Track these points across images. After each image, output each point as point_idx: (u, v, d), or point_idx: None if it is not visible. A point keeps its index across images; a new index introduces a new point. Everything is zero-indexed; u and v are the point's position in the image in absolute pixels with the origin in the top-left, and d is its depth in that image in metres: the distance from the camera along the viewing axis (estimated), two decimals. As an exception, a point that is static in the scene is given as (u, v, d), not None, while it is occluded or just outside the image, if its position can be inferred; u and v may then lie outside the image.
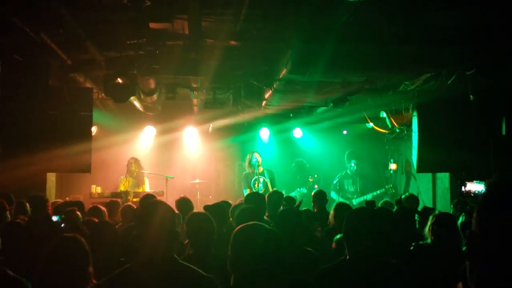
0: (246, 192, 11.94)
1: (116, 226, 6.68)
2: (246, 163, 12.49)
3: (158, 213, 3.20)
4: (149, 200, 6.20)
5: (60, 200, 8.94)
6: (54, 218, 5.56)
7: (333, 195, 13.31)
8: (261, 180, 12.10)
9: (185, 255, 4.53)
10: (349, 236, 3.81)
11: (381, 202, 9.09)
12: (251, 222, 3.38)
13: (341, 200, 13.07)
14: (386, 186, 13.35)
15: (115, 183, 12.42)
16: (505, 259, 1.62)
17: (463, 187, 7.10)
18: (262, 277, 3.11)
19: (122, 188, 11.94)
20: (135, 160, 12.46)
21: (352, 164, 13.86)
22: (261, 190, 11.91)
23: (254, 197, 6.76)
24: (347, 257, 3.76)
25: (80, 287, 3.44)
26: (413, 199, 8.32)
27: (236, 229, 3.32)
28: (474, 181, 7.12)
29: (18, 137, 8.62)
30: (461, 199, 7.42)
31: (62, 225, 5.38)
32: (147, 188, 12.25)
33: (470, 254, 1.72)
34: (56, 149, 8.55)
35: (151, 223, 3.15)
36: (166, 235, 3.15)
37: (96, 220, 6.09)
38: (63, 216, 5.65)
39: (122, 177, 12.34)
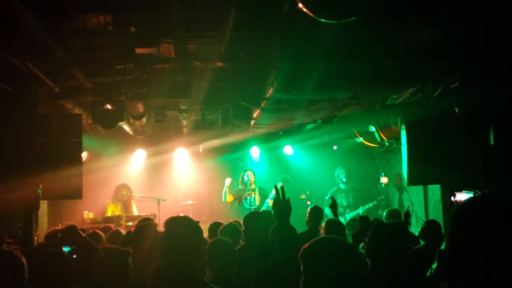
0: (225, 198, 12.64)
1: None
2: (240, 181, 12.69)
3: (181, 231, 3.09)
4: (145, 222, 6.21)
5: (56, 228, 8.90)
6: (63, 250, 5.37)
7: (327, 210, 13.31)
8: (253, 195, 12.30)
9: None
10: (373, 252, 3.98)
11: (385, 212, 9.21)
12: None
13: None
14: (378, 198, 13.37)
15: (103, 208, 12.40)
16: (478, 278, 1.64)
17: (452, 197, 7.09)
18: None
19: (109, 213, 11.93)
20: (127, 188, 12.49)
21: (342, 175, 13.91)
22: (253, 207, 12.09)
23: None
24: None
25: None
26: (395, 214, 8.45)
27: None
28: (464, 191, 7.14)
29: (7, 165, 8.58)
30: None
31: (74, 256, 5.16)
32: (135, 211, 12.27)
33: (443, 273, 1.74)
34: (47, 176, 8.50)
35: (174, 242, 3.05)
36: (190, 254, 3.02)
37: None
38: (74, 247, 5.35)
39: (108, 201, 12.32)
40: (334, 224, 6.39)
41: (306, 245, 3.06)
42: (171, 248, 3.03)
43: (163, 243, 3.13)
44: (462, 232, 1.74)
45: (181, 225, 3.14)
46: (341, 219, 12.57)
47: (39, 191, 5.63)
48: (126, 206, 12.25)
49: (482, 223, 1.69)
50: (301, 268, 2.98)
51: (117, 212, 12.05)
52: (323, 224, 6.51)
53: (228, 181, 12.91)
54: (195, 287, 2.98)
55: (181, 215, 7.48)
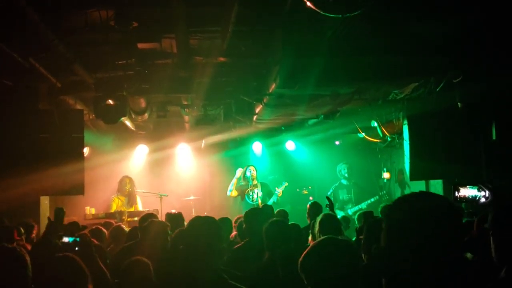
0: (231, 191, 12.70)
1: (108, 249, 6.66)
2: (242, 176, 12.68)
3: (200, 229, 3.16)
4: (148, 219, 6.18)
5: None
6: (66, 239, 5.31)
7: (328, 206, 13.29)
8: (255, 191, 12.30)
9: None
10: (369, 248, 4.03)
11: (380, 206, 9.21)
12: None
13: (337, 211, 13.09)
14: (380, 193, 13.34)
15: (108, 203, 12.37)
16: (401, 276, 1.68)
17: (456, 192, 7.02)
18: None
19: (114, 207, 11.87)
20: (129, 179, 12.42)
21: (344, 171, 13.88)
22: (256, 202, 12.10)
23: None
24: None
25: None
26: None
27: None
28: (467, 186, 7.08)
29: (9, 161, 8.55)
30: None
31: (76, 248, 5.11)
32: (140, 207, 12.21)
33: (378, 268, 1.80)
34: (49, 172, 8.50)
35: (192, 239, 3.12)
36: (207, 251, 3.09)
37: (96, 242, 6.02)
38: (78, 239, 5.23)
39: (113, 196, 12.28)
40: (329, 218, 6.31)
41: (301, 258, 2.97)
42: (193, 245, 3.08)
43: (185, 240, 3.18)
44: (387, 232, 1.87)
45: (203, 224, 3.19)
46: (342, 214, 12.60)
47: (63, 209, 5.64)
48: (131, 199, 12.17)
49: (402, 225, 1.76)
50: (304, 281, 2.90)
51: (120, 204, 12.01)
52: (319, 218, 6.44)
53: (239, 172, 12.87)
54: (214, 283, 3.02)
55: (173, 211, 7.52)
